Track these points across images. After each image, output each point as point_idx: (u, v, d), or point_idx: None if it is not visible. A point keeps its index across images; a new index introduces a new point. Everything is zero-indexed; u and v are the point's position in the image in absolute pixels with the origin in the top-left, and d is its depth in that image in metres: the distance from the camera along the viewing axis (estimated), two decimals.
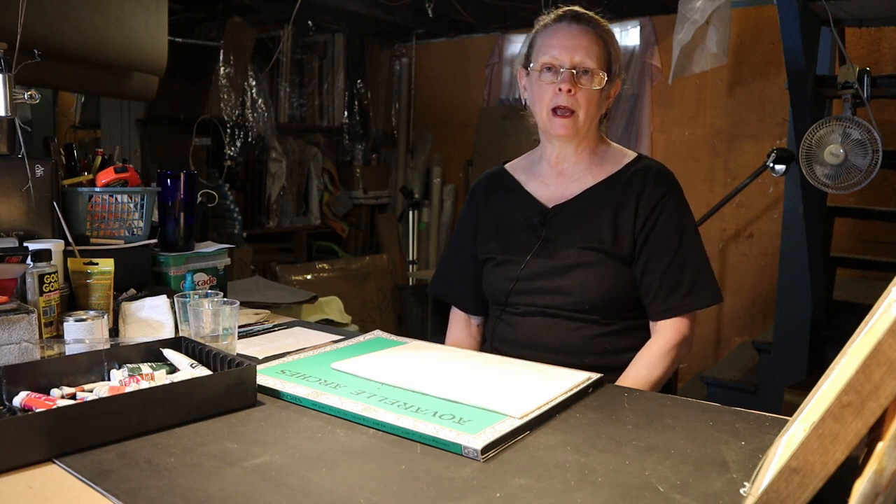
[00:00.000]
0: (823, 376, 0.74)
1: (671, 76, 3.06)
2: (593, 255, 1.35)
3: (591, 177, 1.43)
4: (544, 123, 1.39)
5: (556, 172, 1.46)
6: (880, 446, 0.52)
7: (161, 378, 1.03)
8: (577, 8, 1.40)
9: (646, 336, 1.39)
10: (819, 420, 0.55)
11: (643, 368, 1.31)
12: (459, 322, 1.60)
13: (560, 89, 1.33)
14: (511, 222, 1.47)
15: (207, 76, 3.61)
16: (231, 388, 1.00)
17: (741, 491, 0.78)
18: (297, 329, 1.52)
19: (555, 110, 1.35)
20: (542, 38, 1.39)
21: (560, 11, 1.39)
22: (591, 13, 1.39)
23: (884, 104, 2.89)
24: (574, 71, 1.33)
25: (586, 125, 1.37)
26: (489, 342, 1.49)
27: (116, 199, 1.58)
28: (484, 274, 1.50)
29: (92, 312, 1.25)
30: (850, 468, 0.59)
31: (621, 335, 1.37)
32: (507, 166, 1.56)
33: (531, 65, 1.39)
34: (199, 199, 1.76)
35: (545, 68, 1.36)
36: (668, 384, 1.38)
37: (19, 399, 0.94)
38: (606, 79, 1.35)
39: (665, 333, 1.34)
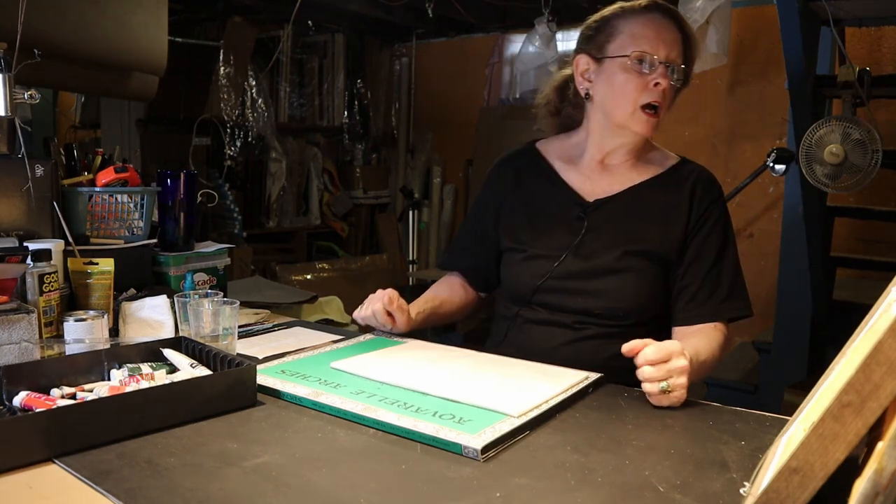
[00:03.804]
0: (823, 376, 0.74)
1: None
2: (637, 260, 1.30)
3: (636, 175, 1.36)
4: (625, 118, 1.29)
5: (599, 167, 1.38)
6: (880, 446, 0.52)
7: (161, 378, 1.03)
8: (661, 1, 1.31)
9: None
10: (819, 420, 0.55)
11: (703, 340, 1.23)
12: (453, 281, 1.52)
13: (656, 84, 1.25)
14: (544, 212, 1.38)
15: (207, 76, 3.61)
16: (231, 388, 1.00)
17: (741, 491, 0.78)
18: (297, 329, 1.52)
19: (644, 107, 1.27)
20: (629, 26, 1.28)
21: (644, 2, 1.30)
22: (675, 9, 1.31)
23: (884, 104, 2.89)
24: (666, 66, 1.26)
25: (661, 123, 1.31)
26: (497, 346, 1.42)
27: (116, 199, 1.58)
28: (508, 265, 1.41)
29: (92, 312, 1.25)
30: (850, 468, 0.59)
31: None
32: (540, 146, 1.46)
33: (608, 51, 1.29)
34: (199, 199, 1.76)
35: (636, 59, 1.25)
36: None
37: (19, 399, 0.94)
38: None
39: (710, 329, 1.28)
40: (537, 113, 1.51)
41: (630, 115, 1.28)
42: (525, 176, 1.44)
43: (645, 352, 1.04)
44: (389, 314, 1.32)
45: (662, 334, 1.38)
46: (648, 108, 1.27)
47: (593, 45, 1.33)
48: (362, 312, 1.34)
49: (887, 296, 0.69)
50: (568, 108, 1.47)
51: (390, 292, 1.32)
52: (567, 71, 1.44)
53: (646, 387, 1.05)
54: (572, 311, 1.32)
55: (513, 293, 1.40)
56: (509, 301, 1.42)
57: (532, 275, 1.35)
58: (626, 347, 1.06)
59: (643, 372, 1.04)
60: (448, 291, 1.50)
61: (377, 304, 1.31)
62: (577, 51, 1.36)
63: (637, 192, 1.35)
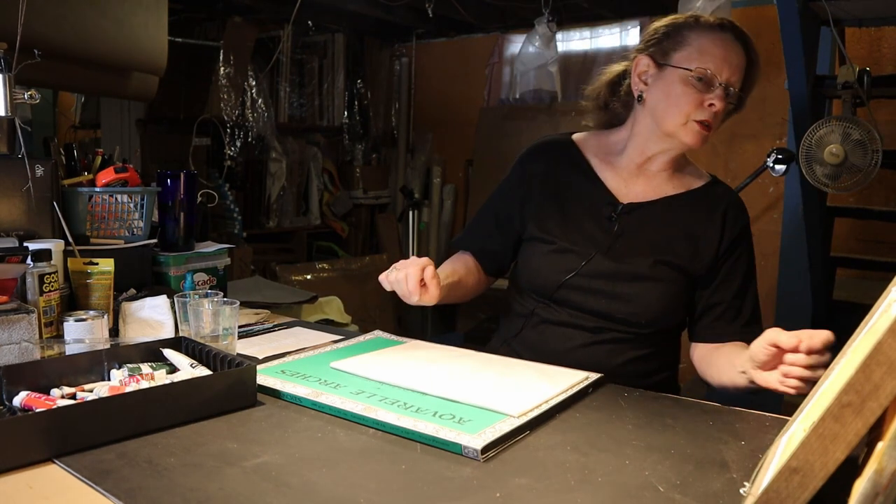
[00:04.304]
0: (823, 376, 0.74)
1: None
2: (668, 270, 1.29)
3: (670, 186, 1.36)
4: (674, 129, 1.28)
5: (637, 170, 1.37)
6: (880, 446, 0.52)
7: (161, 378, 1.04)
8: (735, 22, 1.31)
9: (668, 361, 1.37)
10: (819, 420, 0.55)
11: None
12: (467, 260, 1.47)
13: (711, 104, 1.24)
14: (575, 206, 1.36)
15: (207, 76, 3.61)
16: (231, 388, 1.00)
17: (741, 491, 0.78)
18: (297, 329, 1.52)
19: (695, 120, 1.26)
20: (699, 40, 1.27)
21: (719, 20, 1.30)
22: (747, 33, 1.31)
23: (884, 104, 2.89)
24: (725, 86, 1.25)
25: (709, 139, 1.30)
26: (508, 343, 1.40)
27: (116, 199, 1.58)
28: (531, 256, 1.38)
29: (92, 312, 1.25)
30: (850, 468, 0.59)
31: (650, 359, 1.33)
32: (577, 139, 1.43)
33: (672, 60, 1.27)
34: (199, 199, 1.76)
35: (698, 76, 1.24)
36: (669, 383, 1.37)
37: (19, 399, 0.94)
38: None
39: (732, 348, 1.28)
40: (586, 105, 1.48)
41: (681, 125, 1.27)
42: (558, 166, 1.40)
43: (829, 337, 0.96)
44: (423, 283, 1.21)
45: (674, 344, 1.39)
46: (700, 122, 1.27)
47: (658, 49, 1.31)
48: (392, 276, 1.22)
49: (887, 296, 0.69)
50: (616, 105, 1.44)
51: (430, 262, 1.22)
52: (619, 66, 1.43)
53: (810, 373, 0.97)
54: (594, 312, 1.30)
55: (534, 286, 1.36)
56: (527, 295, 1.39)
57: (558, 269, 1.32)
58: (794, 341, 0.97)
59: (823, 358, 0.96)
60: (464, 269, 1.44)
61: (412, 268, 1.20)
62: (640, 51, 1.34)
63: (669, 203, 1.35)
